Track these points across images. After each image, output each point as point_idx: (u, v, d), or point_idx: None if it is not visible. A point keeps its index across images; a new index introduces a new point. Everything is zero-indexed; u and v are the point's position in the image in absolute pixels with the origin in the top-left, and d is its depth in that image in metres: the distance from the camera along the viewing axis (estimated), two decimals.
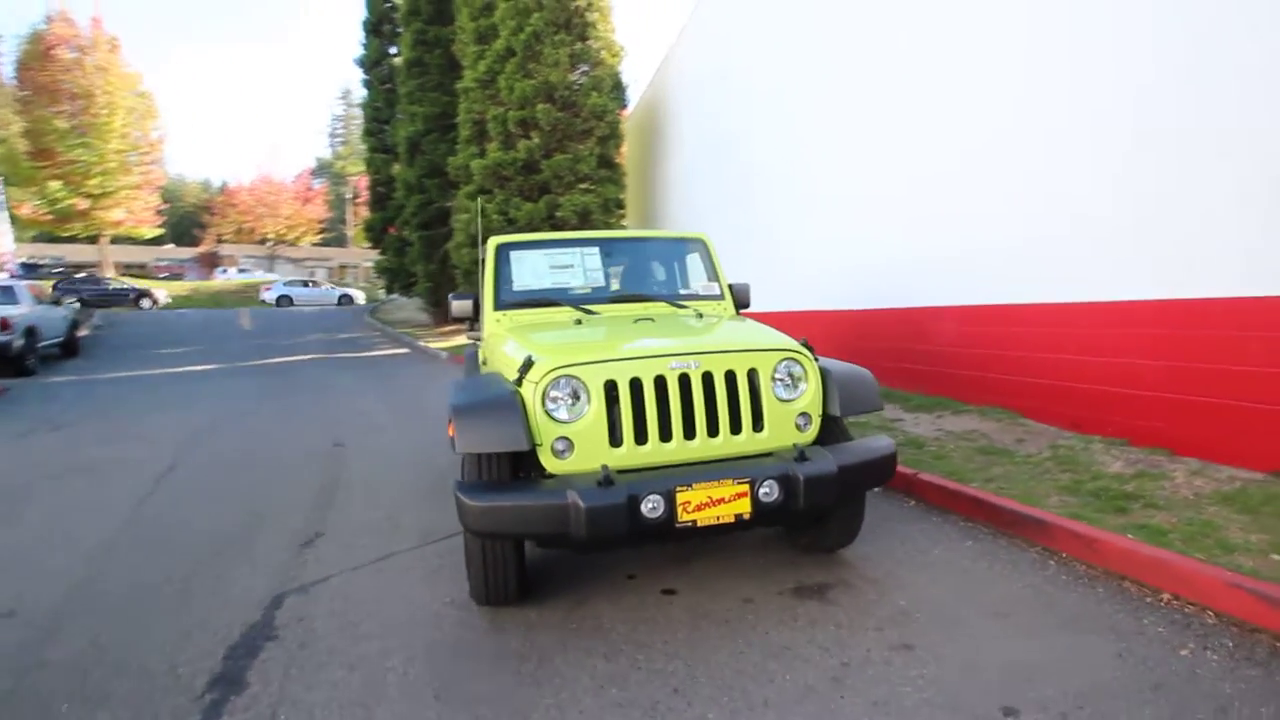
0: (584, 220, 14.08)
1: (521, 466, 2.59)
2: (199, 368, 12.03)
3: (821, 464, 2.45)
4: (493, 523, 2.26)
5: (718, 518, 2.31)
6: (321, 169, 56.73)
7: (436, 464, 5.06)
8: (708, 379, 2.55)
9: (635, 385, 2.48)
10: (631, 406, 2.47)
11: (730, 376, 2.57)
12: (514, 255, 3.75)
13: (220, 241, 46.99)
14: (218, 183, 52.45)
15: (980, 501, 3.49)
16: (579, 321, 3.26)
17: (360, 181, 48.37)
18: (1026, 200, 5.09)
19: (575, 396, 2.47)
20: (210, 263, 44.45)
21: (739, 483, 2.33)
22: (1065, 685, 2.03)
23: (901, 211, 6.46)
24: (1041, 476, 3.88)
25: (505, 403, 2.43)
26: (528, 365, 2.50)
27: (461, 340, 17.12)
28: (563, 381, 2.46)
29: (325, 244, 51.66)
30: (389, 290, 23.41)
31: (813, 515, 2.68)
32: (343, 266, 47.65)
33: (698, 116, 12.36)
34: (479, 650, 2.38)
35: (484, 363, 3.52)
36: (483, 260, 3.83)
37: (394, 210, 21.00)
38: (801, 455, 2.47)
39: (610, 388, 2.47)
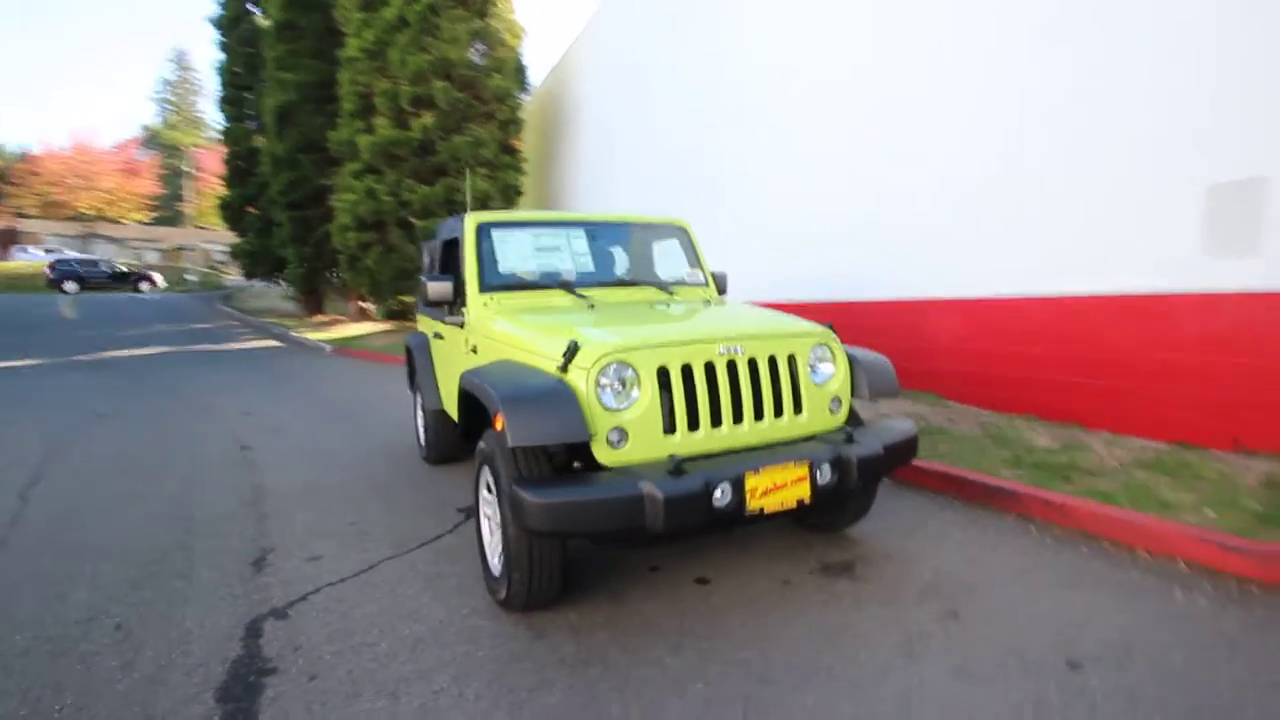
0: (483, 207, 13.52)
1: (557, 459, 2.41)
2: (20, 363, 10.11)
3: (870, 445, 2.50)
4: (560, 520, 2.07)
5: (781, 503, 2.28)
6: (151, 139, 49.71)
7: (367, 465, 4.63)
8: (752, 364, 2.51)
9: (686, 371, 2.39)
10: (684, 393, 2.38)
11: (772, 361, 2.56)
12: (496, 235, 3.48)
13: (21, 216, 39.79)
14: (25, 150, 44.12)
15: (950, 476, 3.75)
16: (592, 306, 3.08)
17: (201, 154, 43.01)
18: (937, 209, 5.55)
19: (624, 383, 2.33)
20: (7, 240, 37.55)
21: (799, 465, 2.32)
22: (1101, 634, 2.23)
23: (820, 201, 6.82)
24: (984, 452, 4.26)
25: (558, 391, 2.24)
26: (573, 350, 2.32)
27: (349, 332, 15.80)
28: (613, 368, 2.31)
29: (158, 223, 45.44)
30: (249, 275, 21.06)
31: (848, 496, 2.73)
32: (179, 248, 42.16)
33: (609, 107, 12.21)
34: (533, 660, 2.18)
35: (473, 350, 3.23)
36: (460, 240, 3.51)
37: (256, 187, 18.87)
38: (849, 437, 2.51)
39: (662, 374, 2.36)
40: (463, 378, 2.74)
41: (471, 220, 3.51)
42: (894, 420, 2.89)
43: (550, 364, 2.43)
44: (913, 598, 2.54)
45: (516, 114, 13.57)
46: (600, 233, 3.76)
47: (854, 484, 2.43)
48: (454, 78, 12.71)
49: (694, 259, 3.90)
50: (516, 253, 3.48)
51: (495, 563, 2.51)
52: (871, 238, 6.18)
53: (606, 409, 2.27)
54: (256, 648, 2.32)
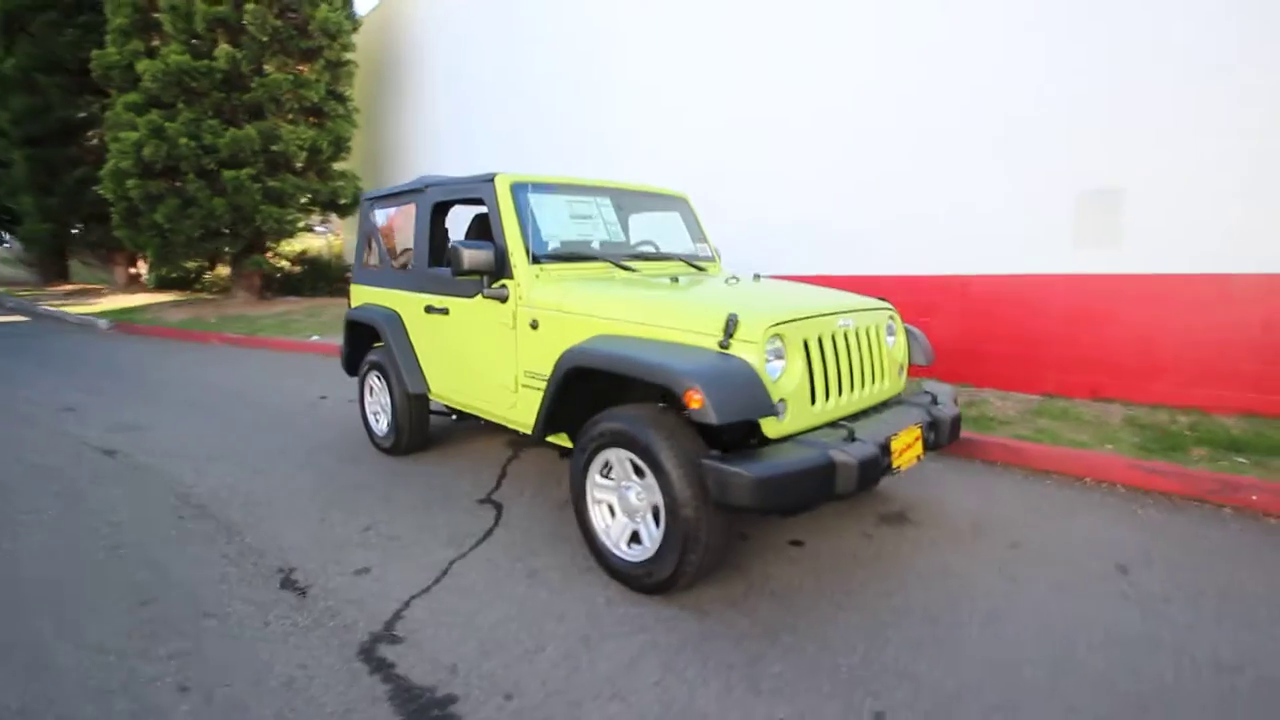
0: (312, 161, 11.83)
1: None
2: None
3: (949, 408, 2.84)
4: (770, 494, 2.06)
5: (909, 460, 2.51)
6: None
7: (307, 462, 4.04)
8: (859, 335, 2.69)
9: (819, 343, 2.50)
10: (823, 363, 2.48)
11: (869, 332, 2.76)
12: (534, 199, 3.18)
13: None
14: None
15: None
16: (675, 279, 2.97)
17: None
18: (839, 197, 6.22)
19: (779, 356, 2.36)
20: None
21: (917, 426, 2.57)
22: (1118, 544, 2.83)
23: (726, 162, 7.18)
24: None
25: (743, 367, 2.20)
26: (733, 323, 2.29)
27: (120, 304, 12.73)
28: (773, 340, 2.33)
29: None
30: None
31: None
32: None
33: (467, 59, 11.27)
34: (723, 637, 2.17)
35: (532, 325, 2.93)
36: (491, 202, 3.14)
37: None
38: (934, 399, 2.82)
39: (804, 346, 2.43)
40: (574, 355, 2.53)
41: (504, 180, 3.15)
42: (931, 382, 3.29)
43: (699, 338, 2.36)
44: (971, 536, 2.96)
45: (347, 54, 11.96)
46: (622, 201, 3.62)
47: (945, 440, 2.76)
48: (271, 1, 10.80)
49: (698, 233, 3.94)
50: (554, 220, 3.22)
51: (647, 547, 2.39)
52: (779, 217, 6.66)
53: (770, 381, 2.29)
54: (402, 679, 1.98)
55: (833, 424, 2.51)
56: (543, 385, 2.91)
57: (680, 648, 2.12)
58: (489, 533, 3.00)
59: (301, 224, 12.53)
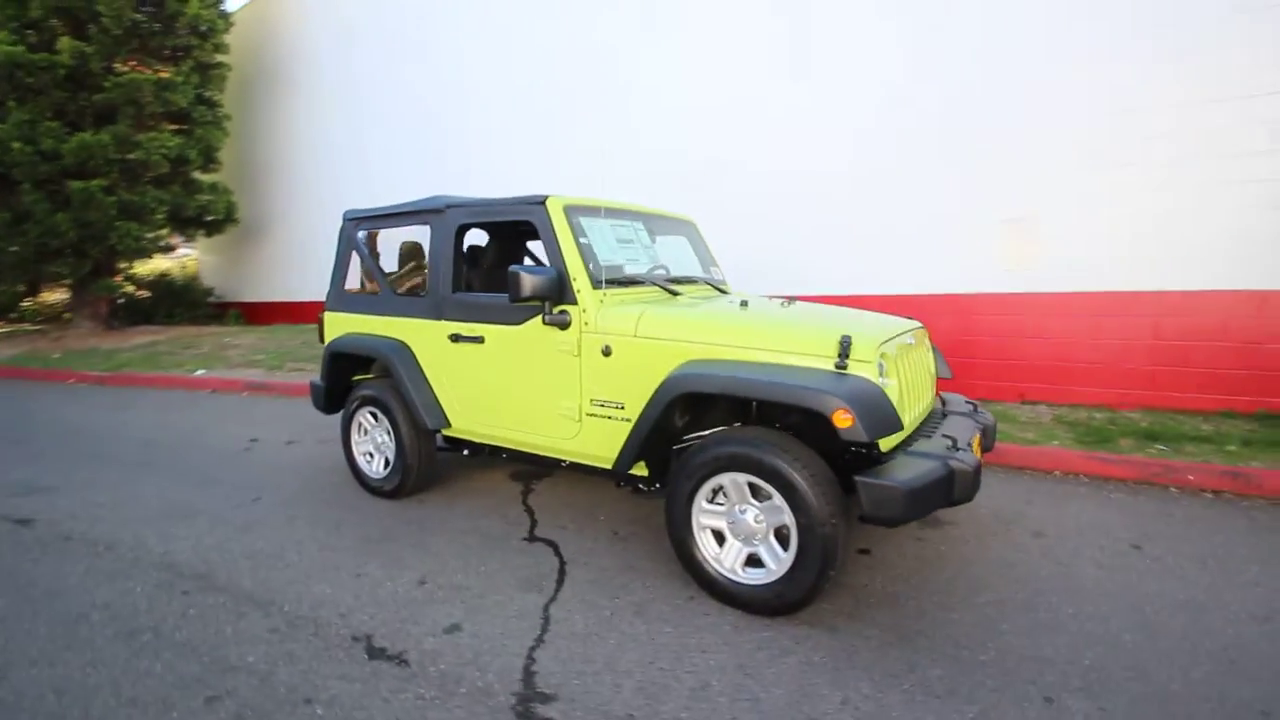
0: (175, 173, 10.50)
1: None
2: None
3: (987, 416, 3.13)
4: (916, 503, 2.16)
5: None
6: None
7: (296, 512, 3.65)
8: (917, 352, 2.91)
9: (897, 360, 2.67)
10: (902, 380, 2.66)
11: (923, 348, 3.00)
12: (586, 223, 3.09)
13: None
14: None
15: None
16: (745, 304, 3.01)
17: None
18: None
19: (883, 373, 2.50)
20: None
21: (977, 433, 2.83)
22: (1120, 526, 3.27)
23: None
24: None
25: (871, 386, 2.29)
26: (848, 344, 2.39)
27: None
28: (881, 359, 2.46)
29: None
30: None
31: None
32: None
33: (355, 67, 10.57)
34: (867, 651, 2.23)
35: (605, 352, 2.83)
36: (544, 225, 3.01)
37: None
38: (975, 408, 3.10)
39: (896, 364, 2.60)
40: (683, 380, 2.50)
41: (557, 203, 3.04)
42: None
43: (811, 359, 2.43)
44: (1002, 529, 3.27)
45: (219, 55, 10.79)
46: (650, 225, 3.62)
47: (989, 446, 3.04)
48: None
49: (708, 256, 4.03)
50: (604, 243, 3.15)
51: (773, 569, 2.40)
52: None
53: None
54: None
55: (922, 434, 2.70)
56: (614, 414, 2.84)
57: (836, 665, 2.16)
58: (562, 572, 2.84)
59: (163, 242, 11.03)
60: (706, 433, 2.80)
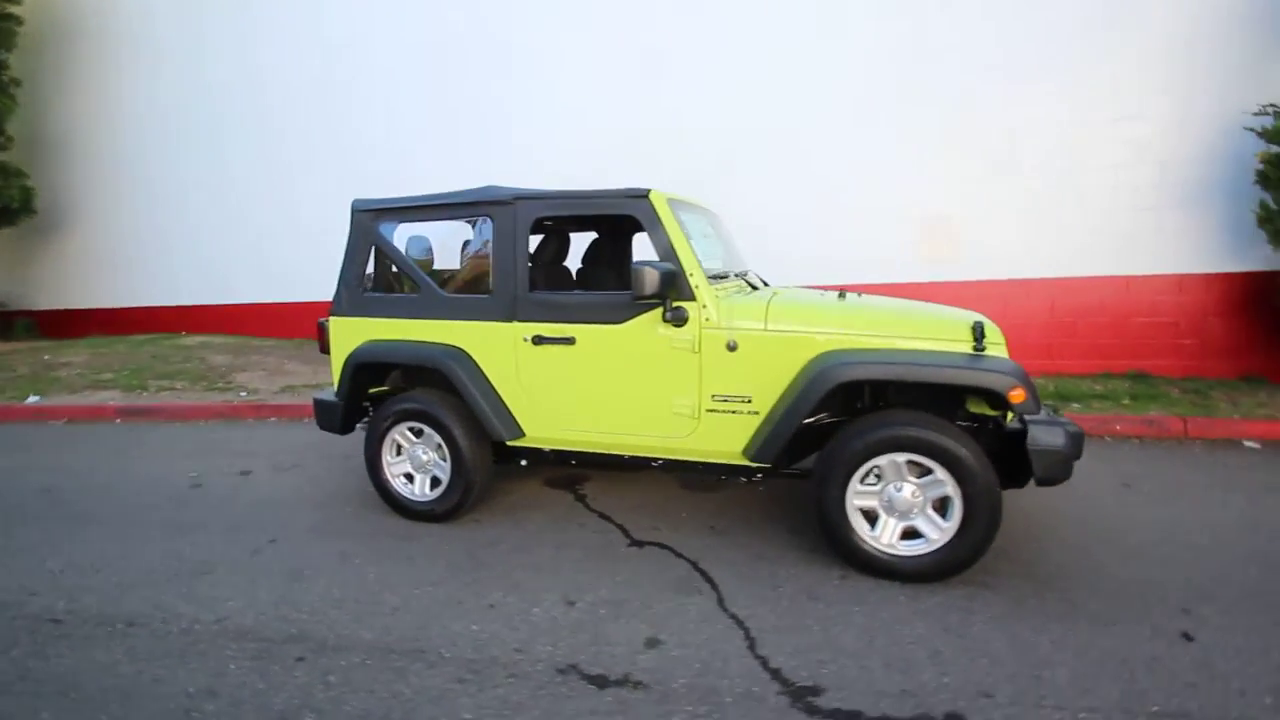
0: None
1: None
2: None
3: None
4: (1071, 468, 2.48)
5: None
6: None
7: (337, 547, 3.21)
8: None
9: None
10: None
11: None
12: (683, 218, 3.04)
13: None
14: None
15: None
16: (842, 295, 3.12)
17: None
18: None
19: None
20: None
21: None
22: (1101, 471, 3.95)
23: None
24: None
25: (1020, 367, 2.56)
26: (981, 329, 2.65)
27: None
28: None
29: None
30: None
31: None
32: None
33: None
34: (1038, 609, 2.51)
35: (731, 347, 2.79)
36: (652, 221, 2.90)
37: None
38: None
39: None
40: (842, 369, 2.58)
41: (661, 197, 2.95)
42: None
43: (950, 344, 2.67)
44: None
45: (11, 6, 8.61)
46: (710, 219, 3.62)
47: None
48: None
49: (735, 248, 4.13)
50: (699, 237, 3.12)
51: (934, 539, 2.59)
52: None
53: None
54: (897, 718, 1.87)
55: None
56: (739, 408, 2.87)
57: (1016, 614, 2.40)
58: (701, 572, 2.80)
59: None
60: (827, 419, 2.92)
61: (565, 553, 3.03)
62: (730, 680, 2.08)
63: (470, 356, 3.24)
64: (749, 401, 2.87)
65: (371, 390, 3.62)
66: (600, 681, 2.09)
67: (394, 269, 3.62)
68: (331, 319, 3.55)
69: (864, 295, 3.41)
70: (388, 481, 3.44)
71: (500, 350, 3.21)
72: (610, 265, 4.21)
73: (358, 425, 3.66)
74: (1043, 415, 2.79)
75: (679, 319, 2.88)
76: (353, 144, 8.59)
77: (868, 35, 6.42)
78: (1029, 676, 2.06)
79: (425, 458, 3.39)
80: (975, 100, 6.10)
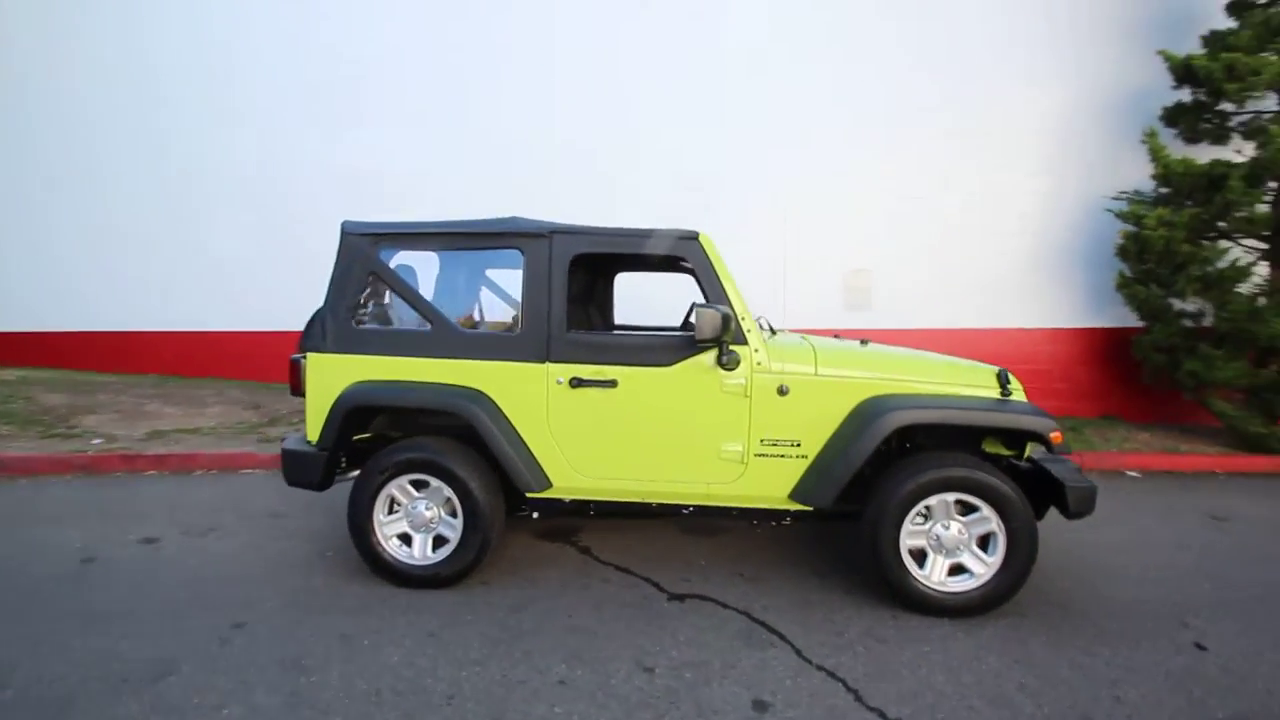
0: None
1: None
2: None
3: None
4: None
5: None
6: None
7: (345, 623, 2.81)
8: None
9: None
10: None
11: None
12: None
13: None
14: None
15: None
16: (864, 342, 3.23)
17: None
18: None
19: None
20: None
21: None
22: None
23: None
24: None
25: (1042, 410, 2.81)
26: (1006, 377, 2.90)
27: None
28: None
29: None
30: None
31: None
32: None
33: None
34: (1072, 632, 2.72)
35: (782, 391, 2.77)
36: (702, 261, 2.86)
37: None
38: None
39: None
40: (897, 416, 2.68)
41: (708, 239, 2.92)
42: None
43: (980, 390, 2.88)
44: None
45: None
46: None
47: None
48: None
49: None
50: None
51: (980, 574, 2.73)
52: None
53: None
54: None
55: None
56: (788, 452, 2.88)
57: (1053, 641, 2.60)
58: (761, 623, 2.72)
59: None
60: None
61: (607, 612, 2.80)
62: None
63: (492, 400, 2.94)
64: (798, 445, 2.88)
65: (355, 438, 3.15)
66: None
67: (378, 299, 3.23)
68: (310, 355, 3.06)
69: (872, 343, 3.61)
70: (379, 544, 2.98)
71: (529, 393, 2.95)
72: (589, 303, 4.08)
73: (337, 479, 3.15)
74: (1041, 455, 3.11)
75: (732, 362, 2.85)
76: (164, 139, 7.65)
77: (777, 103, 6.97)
78: (1109, 698, 2.23)
79: (429, 514, 2.99)
80: (889, 169, 6.82)
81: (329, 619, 2.72)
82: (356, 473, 3.18)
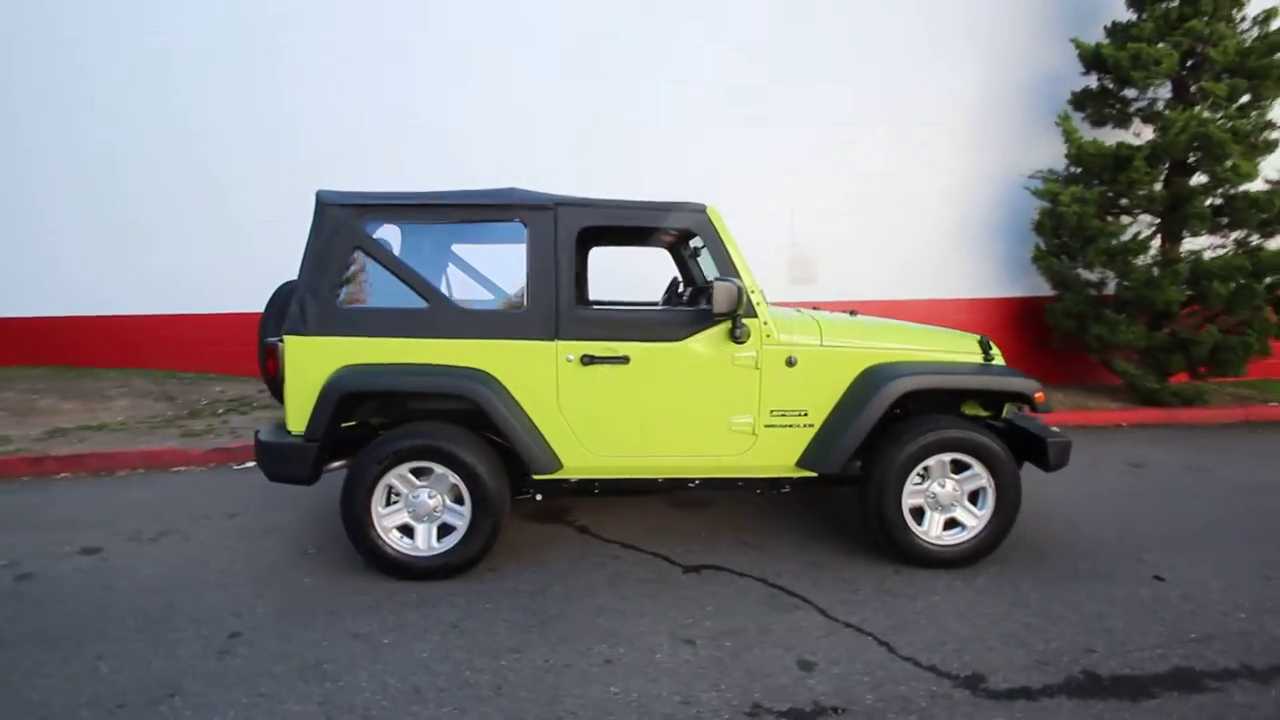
0: None
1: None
2: None
3: None
4: None
5: None
6: None
7: (370, 626, 2.68)
8: None
9: None
10: None
11: None
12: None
13: None
14: None
15: None
16: (853, 314, 3.32)
17: None
18: None
19: None
20: None
21: None
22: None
23: None
24: None
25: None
26: (987, 343, 3.10)
27: None
28: None
29: None
30: None
31: None
32: None
33: None
34: (1058, 574, 2.98)
35: (790, 362, 2.80)
36: (709, 235, 2.83)
37: None
38: None
39: None
40: (905, 381, 2.81)
41: (716, 212, 2.90)
42: None
43: (966, 356, 3.06)
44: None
45: None
46: None
47: None
48: None
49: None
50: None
51: (972, 526, 2.93)
52: None
53: None
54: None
55: None
56: (795, 422, 2.96)
57: (1041, 581, 2.85)
58: (779, 587, 2.80)
59: None
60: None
61: (627, 589, 2.79)
62: (908, 686, 2.14)
63: (498, 380, 2.82)
64: (805, 415, 2.96)
65: (345, 425, 2.93)
66: (798, 716, 2.00)
67: (359, 275, 3.00)
68: (289, 339, 2.79)
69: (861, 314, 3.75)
70: (379, 538, 2.80)
71: (537, 372, 2.84)
72: None
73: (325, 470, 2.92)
74: (1013, 414, 3.36)
75: (744, 335, 2.87)
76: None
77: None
78: (1101, 629, 2.48)
79: (433, 503, 2.84)
80: (831, 148, 7.03)
81: (336, 621, 2.54)
82: (338, 464, 2.99)
